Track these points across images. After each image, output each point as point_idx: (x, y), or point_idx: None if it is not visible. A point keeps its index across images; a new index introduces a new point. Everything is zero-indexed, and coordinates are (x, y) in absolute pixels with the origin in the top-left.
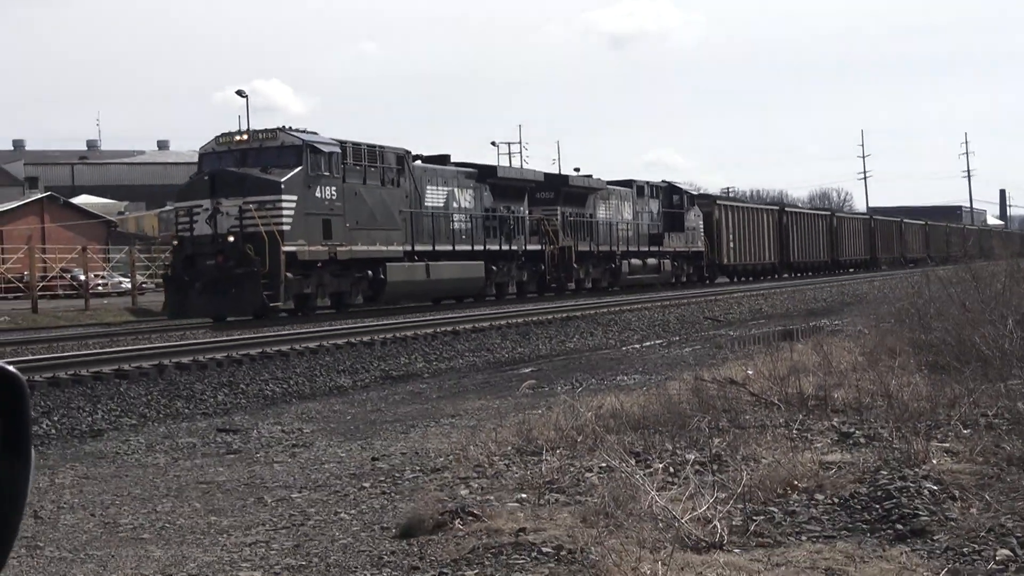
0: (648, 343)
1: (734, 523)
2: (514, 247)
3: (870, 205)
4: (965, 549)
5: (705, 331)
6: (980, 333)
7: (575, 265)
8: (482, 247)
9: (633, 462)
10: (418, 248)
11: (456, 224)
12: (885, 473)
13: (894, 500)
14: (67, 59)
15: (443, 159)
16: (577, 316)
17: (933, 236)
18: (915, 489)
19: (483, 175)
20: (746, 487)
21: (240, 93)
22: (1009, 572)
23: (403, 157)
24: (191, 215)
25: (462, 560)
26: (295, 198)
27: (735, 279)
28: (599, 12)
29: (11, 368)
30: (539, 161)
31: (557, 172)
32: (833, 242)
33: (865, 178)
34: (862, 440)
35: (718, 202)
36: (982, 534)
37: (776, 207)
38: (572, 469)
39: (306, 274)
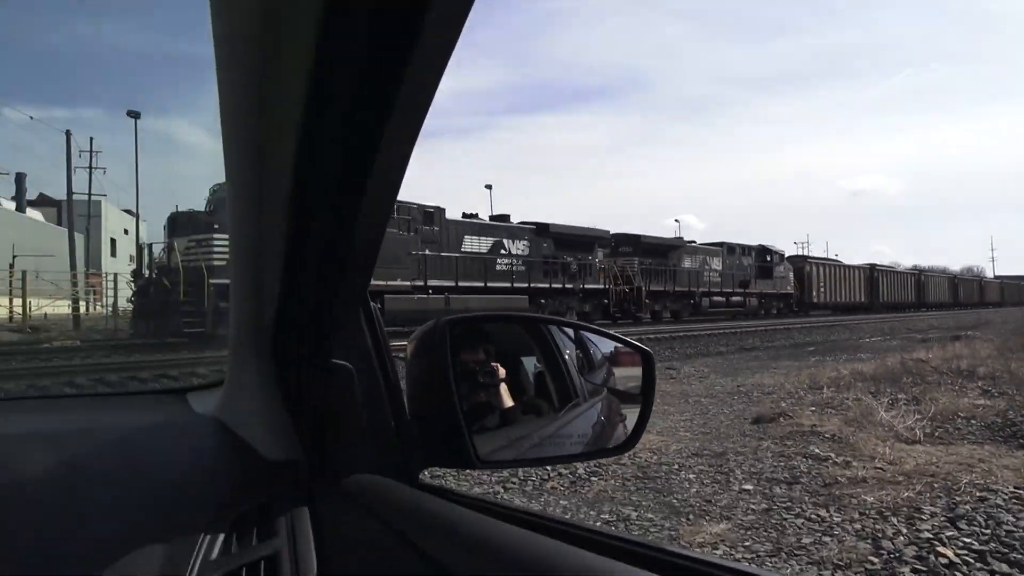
0: (873, 339)
1: (926, 431)
2: (569, 285)
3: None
4: None
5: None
6: None
7: (646, 300)
8: (526, 284)
9: (871, 396)
10: (433, 283)
11: (502, 266)
12: (1011, 412)
13: (1017, 426)
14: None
15: (502, 217)
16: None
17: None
18: None
19: (540, 230)
20: (932, 413)
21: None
22: None
23: (431, 213)
24: (152, 251)
25: (785, 436)
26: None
27: (825, 313)
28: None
29: (644, 346)
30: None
31: (633, 233)
32: (920, 291)
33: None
34: (995, 394)
35: (808, 260)
36: None
37: (868, 266)
38: (838, 398)
39: None
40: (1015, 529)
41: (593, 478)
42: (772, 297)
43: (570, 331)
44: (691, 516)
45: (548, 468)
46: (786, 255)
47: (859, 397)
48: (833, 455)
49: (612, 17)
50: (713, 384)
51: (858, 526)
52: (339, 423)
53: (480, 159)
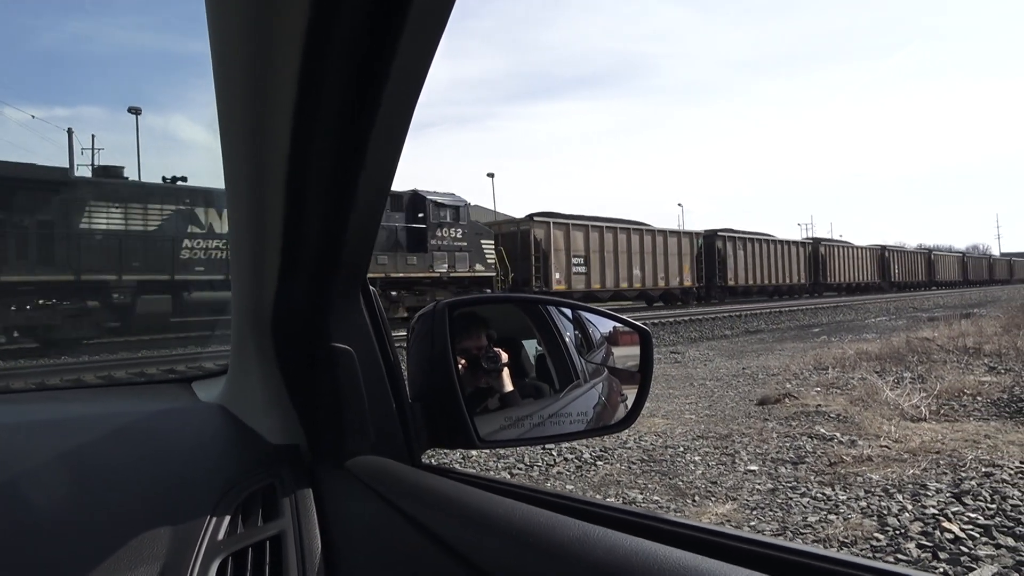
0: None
1: (931, 409)
2: None
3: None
4: None
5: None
6: None
7: None
8: None
9: (876, 376)
10: None
11: None
12: (1016, 388)
13: (1023, 402)
14: None
15: None
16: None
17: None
18: None
19: None
20: (938, 391)
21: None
22: None
23: None
24: None
25: (791, 416)
26: None
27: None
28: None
29: (643, 324)
30: None
31: None
32: (816, 267)
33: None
34: (1002, 371)
35: (554, 218)
36: None
37: (706, 232)
38: (843, 378)
39: None
40: (1021, 503)
41: (599, 462)
42: (429, 285)
43: (568, 312)
44: (696, 497)
45: (554, 453)
46: (467, 206)
47: (864, 377)
48: (838, 434)
49: (610, 2)
50: (718, 367)
51: (864, 504)
52: (341, 406)
53: (481, 148)
